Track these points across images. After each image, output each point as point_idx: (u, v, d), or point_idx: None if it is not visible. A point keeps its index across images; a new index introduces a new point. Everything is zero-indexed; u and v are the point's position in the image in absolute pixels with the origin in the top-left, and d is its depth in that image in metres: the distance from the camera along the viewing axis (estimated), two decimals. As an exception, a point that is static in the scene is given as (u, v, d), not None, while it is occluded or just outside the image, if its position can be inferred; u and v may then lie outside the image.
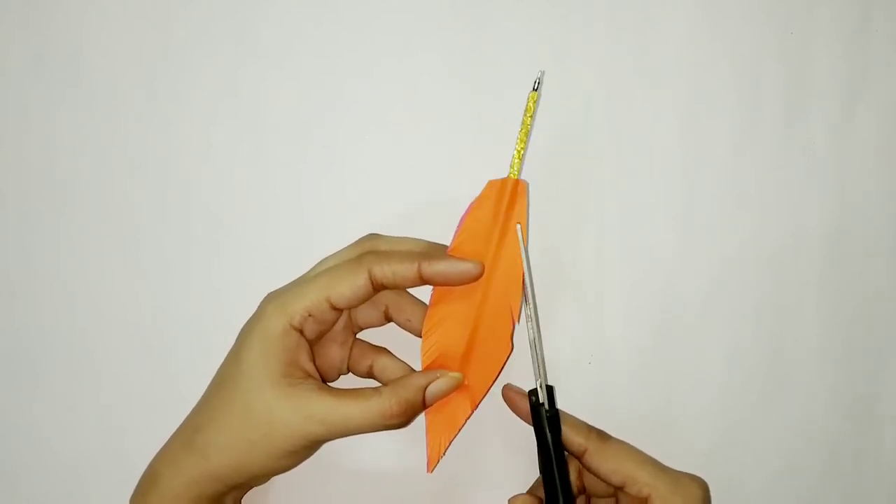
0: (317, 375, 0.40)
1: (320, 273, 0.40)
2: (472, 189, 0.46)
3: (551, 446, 0.40)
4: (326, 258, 0.42)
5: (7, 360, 0.46)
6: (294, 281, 0.42)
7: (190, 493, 0.38)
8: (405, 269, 0.39)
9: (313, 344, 0.40)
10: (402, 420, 0.39)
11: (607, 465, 0.40)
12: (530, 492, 0.42)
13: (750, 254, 0.48)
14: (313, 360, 0.40)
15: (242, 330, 0.40)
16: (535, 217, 0.45)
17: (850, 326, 0.49)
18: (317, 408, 0.37)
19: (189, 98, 0.46)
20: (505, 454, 0.46)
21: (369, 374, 0.43)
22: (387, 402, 0.38)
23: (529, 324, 0.41)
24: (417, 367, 0.42)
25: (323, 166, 0.46)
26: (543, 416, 0.40)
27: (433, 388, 0.40)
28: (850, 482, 0.49)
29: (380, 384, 0.42)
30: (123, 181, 0.46)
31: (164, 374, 0.46)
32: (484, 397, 0.41)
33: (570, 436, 0.41)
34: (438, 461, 0.41)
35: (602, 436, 0.41)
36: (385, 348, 0.44)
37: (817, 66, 0.48)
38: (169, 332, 0.46)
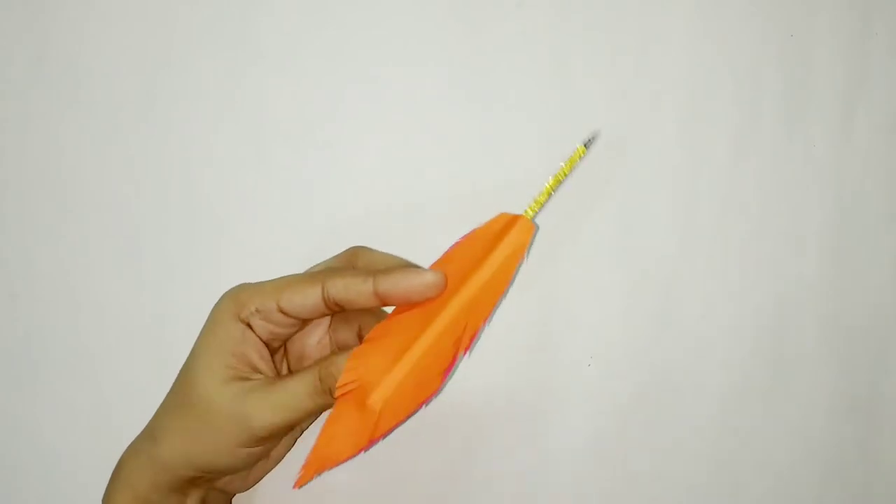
0: (270, 374, 0.38)
1: (283, 277, 0.39)
2: (470, 191, 0.47)
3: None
4: (316, 265, 0.41)
5: (7, 360, 0.46)
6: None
7: (144, 478, 0.38)
8: (357, 284, 0.36)
9: (271, 346, 0.39)
10: (328, 397, 0.37)
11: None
12: None
13: (750, 254, 0.48)
14: (271, 362, 0.39)
15: None
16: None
17: (850, 326, 0.49)
18: (254, 398, 0.37)
19: (190, 100, 0.46)
20: (504, 455, 0.46)
21: None
22: (311, 376, 0.37)
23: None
24: None
25: (323, 168, 0.46)
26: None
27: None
28: (852, 484, 0.49)
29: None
30: (124, 182, 0.46)
31: (164, 374, 0.45)
32: (388, 433, 0.37)
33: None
34: (307, 482, 0.37)
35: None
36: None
37: (818, 69, 0.48)
38: (169, 333, 0.46)
